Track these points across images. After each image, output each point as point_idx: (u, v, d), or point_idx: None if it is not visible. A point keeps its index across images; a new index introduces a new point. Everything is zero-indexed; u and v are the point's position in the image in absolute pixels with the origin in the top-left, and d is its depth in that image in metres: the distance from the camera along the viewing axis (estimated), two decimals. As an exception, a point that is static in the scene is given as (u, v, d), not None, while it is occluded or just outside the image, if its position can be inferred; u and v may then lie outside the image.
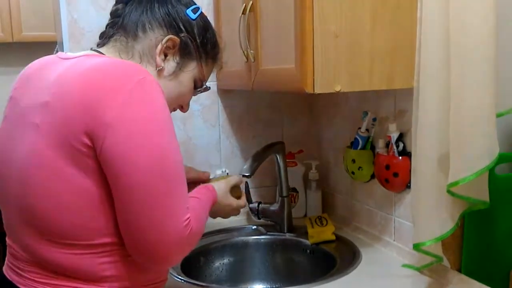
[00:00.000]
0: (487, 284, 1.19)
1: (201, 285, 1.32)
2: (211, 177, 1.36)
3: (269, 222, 1.72)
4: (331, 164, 1.84)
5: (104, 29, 1.10)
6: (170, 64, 1.06)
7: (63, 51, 1.63)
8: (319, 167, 1.84)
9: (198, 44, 1.09)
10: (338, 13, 1.16)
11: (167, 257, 0.93)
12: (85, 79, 0.90)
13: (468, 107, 1.05)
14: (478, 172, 1.05)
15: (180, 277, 1.36)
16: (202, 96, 1.78)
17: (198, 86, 1.13)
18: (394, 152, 1.40)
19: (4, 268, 1.03)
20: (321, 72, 1.16)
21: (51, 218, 0.91)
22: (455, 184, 1.08)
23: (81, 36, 1.63)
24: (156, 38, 1.04)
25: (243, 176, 1.52)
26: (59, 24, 1.67)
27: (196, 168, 1.34)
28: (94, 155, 0.87)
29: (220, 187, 1.21)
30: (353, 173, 1.57)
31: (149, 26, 1.04)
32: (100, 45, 1.08)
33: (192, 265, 1.54)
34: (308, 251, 1.61)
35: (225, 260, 1.66)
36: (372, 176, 1.54)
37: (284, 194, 1.68)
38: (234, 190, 1.28)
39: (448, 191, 1.11)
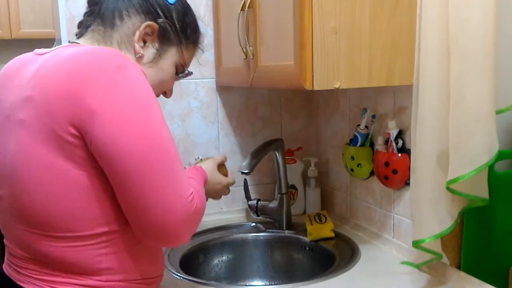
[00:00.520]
0: (486, 281, 1.19)
1: (200, 282, 1.32)
2: (192, 162, 1.36)
3: (268, 219, 1.72)
4: (330, 161, 1.84)
5: (82, 17, 1.09)
6: (149, 51, 1.05)
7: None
8: (318, 164, 1.84)
9: (177, 29, 1.07)
10: (337, 9, 1.16)
11: (176, 235, 0.92)
12: (65, 69, 0.89)
13: (468, 104, 1.05)
14: (477, 169, 1.05)
15: (179, 274, 1.36)
16: (201, 93, 1.78)
17: (180, 71, 1.12)
18: (393, 149, 1.39)
19: (4, 266, 1.03)
20: (320, 68, 1.15)
21: (45, 212, 0.90)
22: (454, 181, 1.08)
23: (80, 33, 1.62)
24: (133, 25, 1.02)
25: (242, 173, 1.52)
26: (57, 20, 1.67)
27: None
28: (83, 145, 0.86)
29: (208, 167, 1.21)
30: (352, 170, 1.56)
31: (126, 13, 1.02)
32: (78, 35, 1.07)
33: (191, 262, 1.54)
34: (307, 248, 1.61)
35: (224, 257, 1.66)
36: (371, 173, 1.54)
37: (283, 191, 1.68)
38: (220, 169, 1.27)
39: (448, 188, 1.11)
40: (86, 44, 1.02)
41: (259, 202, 1.70)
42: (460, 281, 1.22)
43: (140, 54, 1.03)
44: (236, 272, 1.67)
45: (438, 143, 1.12)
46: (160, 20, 1.04)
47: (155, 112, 0.90)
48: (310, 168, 1.82)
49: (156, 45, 1.05)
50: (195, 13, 1.14)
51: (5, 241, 1.02)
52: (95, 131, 0.85)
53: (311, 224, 1.61)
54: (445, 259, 1.28)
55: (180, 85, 1.73)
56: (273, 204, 1.69)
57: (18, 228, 0.95)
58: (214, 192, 1.24)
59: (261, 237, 1.68)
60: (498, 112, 1.08)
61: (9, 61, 1.06)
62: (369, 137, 1.53)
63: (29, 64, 0.98)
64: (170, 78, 1.11)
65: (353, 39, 1.18)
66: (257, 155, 1.57)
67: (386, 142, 1.44)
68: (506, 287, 1.27)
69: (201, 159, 1.34)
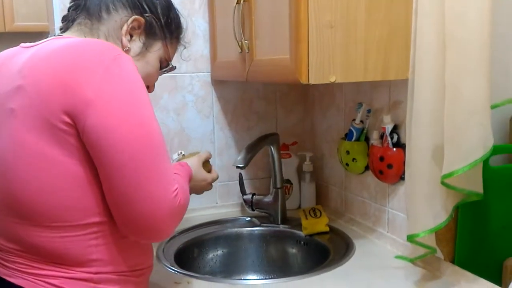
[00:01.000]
0: (480, 275, 1.19)
1: (195, 276, 1.31)
2: (175, 157, 1.36)
3: (263, 213, 1.72)
4: (325, 156, 1.84)
5: (67, 12, 1.09)
6: (136, 45, 1.06)
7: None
8: (313, 159, 1.84)
9: (162, 24, 1.09)
10: (333, 3, 1.15)
11: (160, 229, 0.92)
12: (58, 58, 0.89)
13: (463, 99, 1.05)
14: (472, 164, 1.05)
15: (174, 268, 1.35)
16: (196, 86, 1.77)
17: (164, 66, 1.14)
18: (388, 143, 1.39)
19: None
20: (316, 62, 1.15)
21: (37, 201, 0.90)
22: (449, 175, 1.08)
23: (74, 26, 1.61)
24: (121, 19, 1.03)
25: (237, 167, 1.52)
26: (51, 13, 1.66)
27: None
28: (75, 133, 0.86)
29: (193, 164, 1.22)
30: (347, 164, 1.56)
31: (113, 7, 1.03)
32: (63, 29, 1.08)
33: (186, 257, 1.54)
34: (302, 242, 1.62)
35: (219, 252, 1.66)
36: (366, 168, 1.54)
37: (278, 185, 1.68)
38: (205, 165, 1.28)
39: (442, 183, 1.11)
40: (74, 36, 1.02)
41: (254, 196, 1.69)
42: (454, 275, 1.23)
43: (127, 48, 1.04)
44: (230, 266, 1.67)
45: (433, 138, 1.12)
46: (146, 15, 1.06)
47: (148, 106, 0.91)
48: (305, 162, 1.82)
49: (143, 39, 1.07)
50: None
51: None
52: (88, 120, 0.85)
53: (306, 218, 1.61)
54: (439, 254, 1.28)
55: (175, 79, 1.73)
56: (268, 199, 1.69)
57: (6, 220, 0.94)
58: (198, 188, 1.25)
59: (256, 232, 1.68)
60: (493, 106, 1.08)
61: None
62: (364, 131, 1.53)
63: (17, 55, 0.98)
64: (155, 72, 1.12)
65: (348, 33, 1.17)
66: (252, 150, 1.57)
67: (381, 136, 1.44)
68: (500, 281, 1.27)
69: (183, 155, 1.34)
